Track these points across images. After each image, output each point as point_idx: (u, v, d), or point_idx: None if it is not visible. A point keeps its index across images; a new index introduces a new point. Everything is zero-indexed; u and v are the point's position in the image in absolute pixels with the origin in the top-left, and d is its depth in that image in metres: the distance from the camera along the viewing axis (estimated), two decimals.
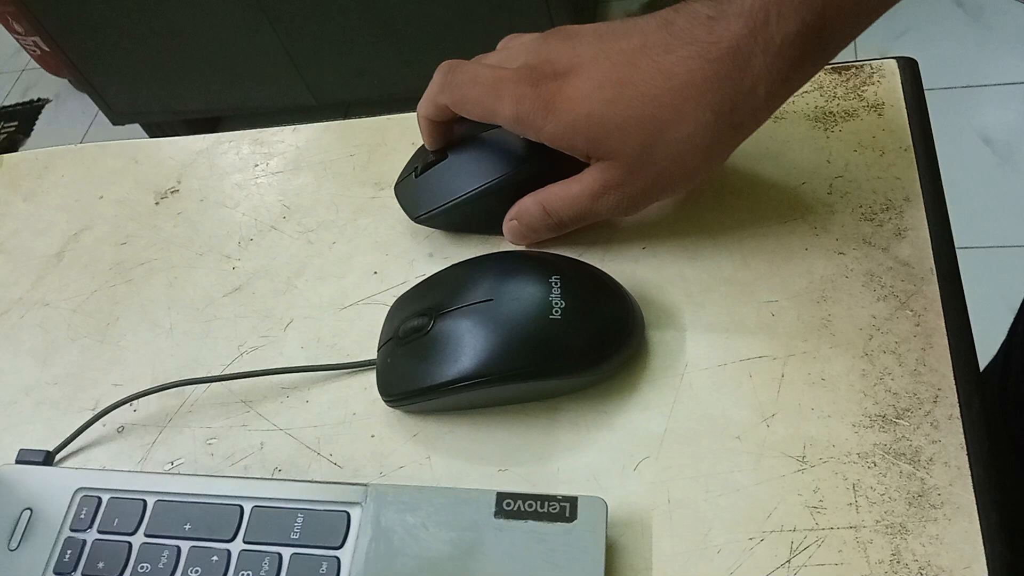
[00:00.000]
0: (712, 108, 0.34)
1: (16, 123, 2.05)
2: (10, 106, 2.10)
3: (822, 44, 0.33)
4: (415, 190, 0.43)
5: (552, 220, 0.39)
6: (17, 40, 1.89)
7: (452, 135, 0.42)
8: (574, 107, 0.35)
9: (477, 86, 0.37)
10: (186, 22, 1.51)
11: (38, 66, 2.01)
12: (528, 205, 0.39)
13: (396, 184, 0.45)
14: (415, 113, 0.43)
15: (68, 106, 2.06)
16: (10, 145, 1.98)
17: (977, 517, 0.31)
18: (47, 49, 1.78)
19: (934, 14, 1.51)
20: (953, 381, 0.34)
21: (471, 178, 0.41)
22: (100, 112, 1.76)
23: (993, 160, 1.36)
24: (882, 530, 0.31)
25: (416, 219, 0.43)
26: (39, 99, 2.09)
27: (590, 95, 0.35)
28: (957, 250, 0.37)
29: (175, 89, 1.67)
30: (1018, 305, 0.54)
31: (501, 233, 0.42)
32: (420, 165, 0.43)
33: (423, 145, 0.44)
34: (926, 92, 0.42)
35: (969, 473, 0.32)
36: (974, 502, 0.31)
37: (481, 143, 0.41)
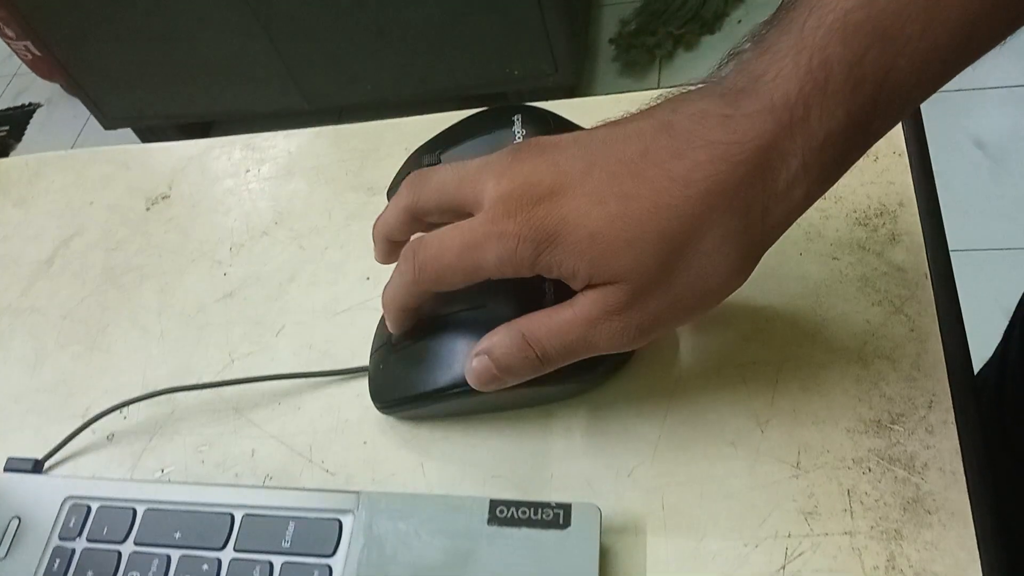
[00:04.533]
0: (741, 215, 0.29)
1: (7, 128, 2.04)
2: (1, 111, 2.09)
3: (871, 133, 0.29)
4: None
5: (533, 352, 0.31)
6: (8, 44, 1.88)
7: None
8: (573, 229, 0.29)
9: (449, 256, 0.31)
10: (179, 27, 1.50)
11: (30, 70, 2.00)
12: (502, 337, 0.32)
13: (389, 189, 0.45)
14: (408, 118, 0.43)
15: (60, 111, 2.05)
16: (1, 150, 1.97)
17: (972, 523, 0.31)
18: (39, 53, 1.78)
19: None
20: (948, 386, 0.33)
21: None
22: (92, 117, 1.75)
23: (986, 163, 1.36)
24: (877, 536, 0.31)
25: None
26: (31, 104, 2.08)
27: (589, 213, 0.29)
28: (951, 253, 0.37)
29: (168, 94, 1.67)
30: (1012, 307, 0.54)
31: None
32: (414, 169, 0.43)
33: (417, 150, 0.43)
34: None
35: (964, 478, 0.31)
36: (969, 508, 0.31)
37: (476, 147, 0.41)
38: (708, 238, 0.29)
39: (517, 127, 0.40)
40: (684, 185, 0.29)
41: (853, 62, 0.27)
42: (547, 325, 0.31)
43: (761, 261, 0.38)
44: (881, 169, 0.40)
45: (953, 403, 0.33)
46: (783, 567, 0.31)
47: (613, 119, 0.31)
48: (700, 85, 0.30)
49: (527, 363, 0.32)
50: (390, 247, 0.35)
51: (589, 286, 0.30)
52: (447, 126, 0.43)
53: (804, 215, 0.39)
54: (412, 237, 0.35)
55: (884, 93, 0.27)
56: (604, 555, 0.32)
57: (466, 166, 0.33)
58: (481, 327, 0.35)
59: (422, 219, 0.34)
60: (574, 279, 0.30)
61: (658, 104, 0.31)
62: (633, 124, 0.30)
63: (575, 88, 1.57)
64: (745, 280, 0.31)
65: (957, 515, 0.31)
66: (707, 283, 0.30)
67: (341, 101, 1.63)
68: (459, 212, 0.32)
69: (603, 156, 0.30)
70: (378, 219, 0.35)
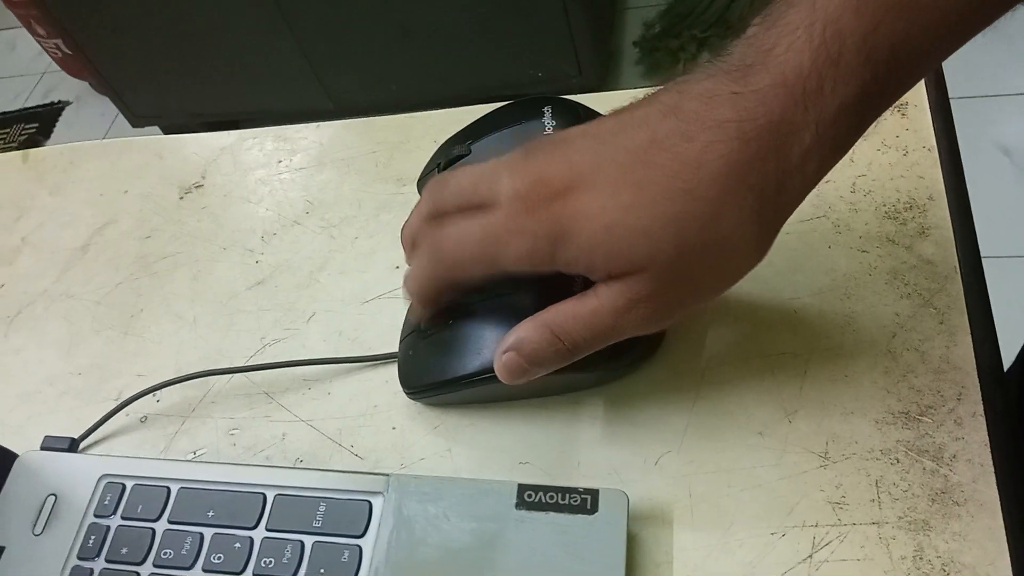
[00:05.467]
0: (756, 192, 0.29)
1: (37, 124, 2.07)
2: (31, 108, 2.12)
3: (884, 101, 0.29)
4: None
5: (564, 345, 0.32)
6: (39, 42, 1.91)
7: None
8: (588, 223, 0.29)
9: (468, 245, 0.32)
10: (206, 26, 1.52)
11: (59, 68, 2.03)
12: (529, 331, 0.32)
13: (419, 180, 0.45)
14: (437, 111, 0.43)
15: (88, 108, 2.07)
16: (30, 146, 2.00)
17: (1001, 514, 0.31)
18: (68, 52, 1.80)
19: None
20: (977, 379, 0.34)
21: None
22: (120, 115, 1.77)
23: (1012, 170, 1.35)
24: (905, 526, 0.31)
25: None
26: (60, 101, 2.11)
27: (604, 205, 0.29)
28: (980, 257, 0.37)
29: (195, 93, 1.68)
30: None
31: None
32: (443, 160, 0.43)
33: (447, 141, 0.44)
34: None
35: (993, 470, 0.32)
36: (998, 499, 0.31)
37: (505, 138, 0.41)
38: (724, 219, 0.29)
39: (547, 118, 0.40)
40: (696, 168, 0.28)
41: (866, 32, 0.27)
42: (573, 316, 0.31)
43: (790, 254, 0.39)
44: (911, 163, 0.40)
45: (982, 395, 0.33)
46: (810, 556, 0.31)
47: (620, 107, 0.31)
48: (706, 64, 0.30)
49: (557, 354, 0.32)
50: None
51: (611, 276, 0.30)
52: (476, 118, 0.44)
53: (834, 209, 0.39)
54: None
55: (897, 62, 0.27)
56: (631, 541, 0.32)
57: (481, 167, 0.33)
58: (509, 314, 0.36)
59: (442, 217, 0.35)
60: (593, 272, 0.31)
61: (664, 88, 0.30)
62: (640, 111, 0.30)
63: (599, 90, 1.56)
64: (764, 256, 0.31)
65: (985, 506, 0.31)
66: (727, 263, 0.30)
67: (366, 101, 1.64)
68: (477, 207, 0.33)
69: (612, 147, 0.30)
70: (404, 225, 0.36)
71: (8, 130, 2.07)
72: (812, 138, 0.28)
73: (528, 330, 0.32)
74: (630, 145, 0.30)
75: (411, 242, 0.36)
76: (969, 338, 0.34)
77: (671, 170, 0.29)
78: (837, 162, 0.30)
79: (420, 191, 0.44)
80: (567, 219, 0.30)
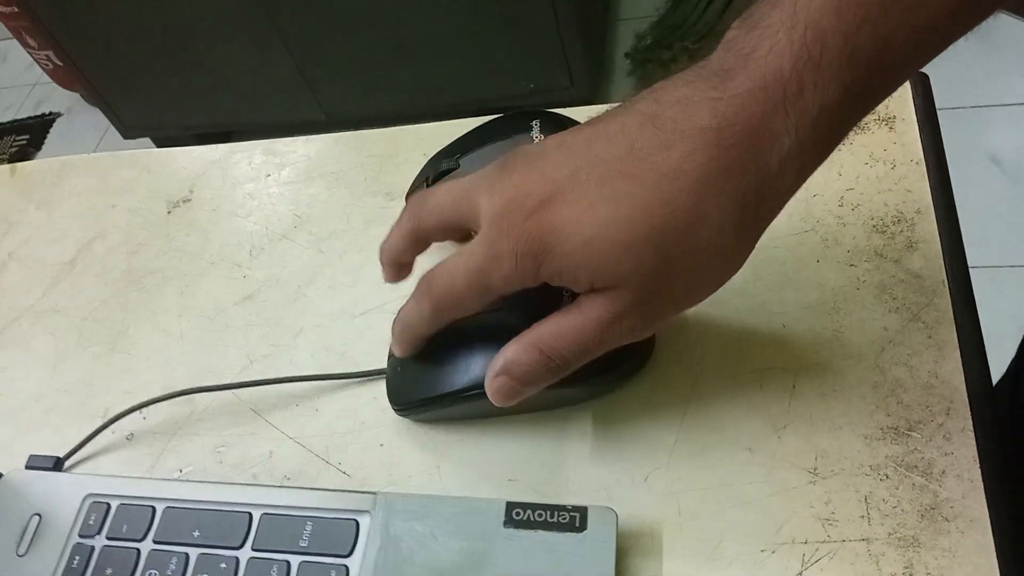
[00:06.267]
0: (735, 201, 0.28)
1: (27, 136, 2.06)
2: (22, 119, 2.11)
3: (867, 104, 0.28)
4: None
5: (554, 363, 0.31)
6: (30, 54, 1.91)
7: None
8: (567, 238, 0.29)
9: (459, 282, 0.32)
10: (198, 38, 1.52)
11: (50, 80, 2.03)
12: (518, 353, 0.32)
13: (408, 193, 0.45)
14: (426, 124, 0.43)
15: (79, 120, 2.07)
16: (21, 158, 1.99)
17: (991, 530, 0.31)
18: (60, 63, 1.80)
19: None
20: (966, 393, 0.33)
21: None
22: (111, 126, 1.77)
23: (1003, 181, 1.36)
24: (894, 543, 0.31)
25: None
26: (51, 113, 2.11)
27: (582, 219, 0.29)
28: (968, 270, 0.37)
29: (186, 104, 1.68)
30: None
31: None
32: (432, 174, 0.43)
33: (435, 155, 0.44)
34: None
35: (982, 486, 0.31)
36: (987, 515, 0.31)
37: (493, 152, 0.41)
38: (704, 229, 0.28)
39: (535, 132, 0.40)
40: (674, 178, 0.28)
41: (848, 33, 0.26)
42: (560, 334, 0.31)
43: (778, 268, 0.38)
44: (899, 177, 0.40)
45: (971, 410, 0.33)
46: (800, 573, 0.31)
47: (597, 115, 0.31)
48: (685, 71, 0.29)
49: (548, 372, 0.32)
50: (397, 269, 0.36)
51: (593, 290, 0.30)
52: (465, 132, 0.44)
53: (822, 223, 0.39)
54: (418, 258, 0.36)
55: (880, 64, 0.27)
56: (620, 559, 0.32)
57: (459, 184, 0.33)
58: (498, 330, 0.35)
59: (425, 240, 0.35)
60: (576, 285, 0.30)
61: (641, 96, 0.30)
62: (616, 121, 0.30)
63: (591, 102, 1.57)
64: (744, 262, 0.30)
65: (975, 522, 0.31)
66: (708, 272, 0.30)
67: (358, 113, 1.64)
68: (459, 228, 0.33)
69: (588, 159, 0.30)
70: (384, 244, 0.36)
71: None
72: (792, 143, 0.28)
73: (516, 352, 0.32)
74: (607, 156, 0.29)
75: (391, 261, 0.36)
76: (957, 352, 0.34)
77: (649, 181, 0.28)
78: (817, 167, 0.29)
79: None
80: (546, 234, 0.29)
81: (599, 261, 0.29)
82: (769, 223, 0.30)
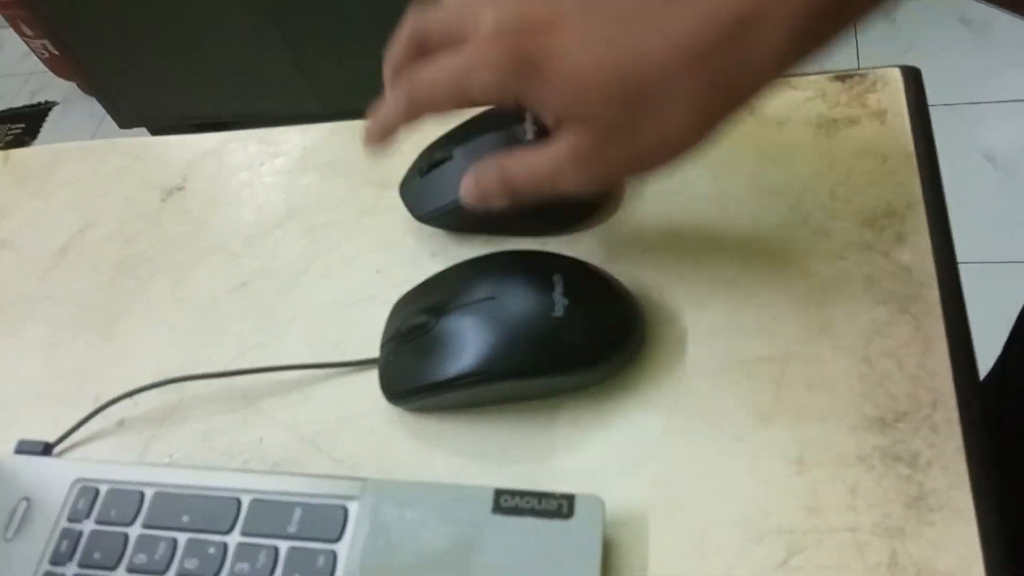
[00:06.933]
0: (708, 81, 0.30)
1: (23, 125, 2.06)
2: (17, 108, 2.11)
3: (850, 8, 0.29)
4: (420, 189, 0.43)
5: (507, 187, 0.34)
6: (26, 43, 1.90)
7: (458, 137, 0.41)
8: (556, 64, 0.31)
9: (441, 81, 0.33)
10: (195, 28, 1.51)
11: (47, 69, 2.02)
12: (488, 166, 0.35)
13: (401, 183, 0.45)
14: None
15: (75, 109, 2.07)
16: (17, 147, 1.99)
17: (975, 521, 0.31)
18: (56, 52, 1.79)
19: (939, 31, 1.52)
20: (952, 385, 0.34)
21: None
22: (107, 116, 1.76)
23: (995, 177, 1.36)
24: (880, 532, 0.31)
25: (419, 218, 0.43)
26: (47, 102, 2.10)
27: (573, 49, 0.31)
28: (958, 265, 0.37)
29: (183, 95, 1.68)
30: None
31: (506, 233, 0.42)
32: (425, 165, 0.43)
33: (429, 145, 0.44)
34: (929, 108, 0.42)
35: (967, 477, 0.32)
36: (972, 506, 0.31)
37: (487, 143, 0.41)
38: (671, 95, 0.30)
39: (528, 123, 0.40)
40: (663, 37, 0.30)
41: None
42: (522, 164, 0.34)
43: (768, 260, 0.39)
44: (889, 171, 0.40)
45: (958, 402, 0.33)
46: (785, 562, 0.31)
47: None
48: None
49: (501, 194, 0.35)
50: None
51: (559, 121, 0.32)
52: (459, 123, 0.44)
53: (812, 215, 0.39)
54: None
55: None
56: (607, 546, 0.32)
57: None
58: (490, 319, 0.36)
59: (425, 45, 0.35)
60: (545, 110, 0.32)
61: None
62: None
63: None
64: (703, 142, 0.32)
65: (960, 513, 0.31)
66: (665, 138, 0.31)
67: (355, 105, 1.62)
68: (458, 38, 0.34)
69: (602, 0, 0.31)
70: (387, 54, 0.37)
71: None
72: (774, 37, 0.29)
73: (487, 164, 0.35)
74: (620, 3, 0.31)
75: (392, 71, 0.37)
76: (945, 345, 0.35)
77: (643, 34, 0.30)
78: (794, 66, 0.30)
79: (403, 196, 0.44)
80: (538, 54, 0.31)
81: (575, 93, 0.31)
82: (734, 110, 0.31)
